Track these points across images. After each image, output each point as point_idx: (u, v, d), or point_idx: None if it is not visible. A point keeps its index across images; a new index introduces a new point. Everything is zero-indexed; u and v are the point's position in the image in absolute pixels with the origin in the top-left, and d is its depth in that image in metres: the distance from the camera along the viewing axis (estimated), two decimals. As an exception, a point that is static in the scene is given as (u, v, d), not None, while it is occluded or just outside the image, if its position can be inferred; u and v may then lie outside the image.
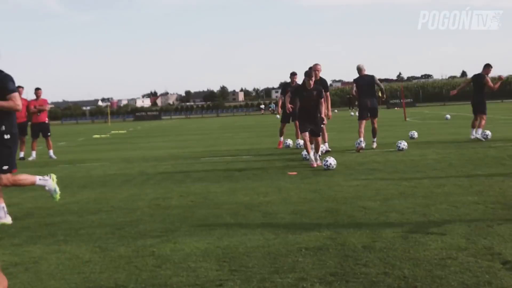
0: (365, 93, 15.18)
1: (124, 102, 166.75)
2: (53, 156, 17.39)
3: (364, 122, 15.21)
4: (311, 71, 12.00)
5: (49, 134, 17.78)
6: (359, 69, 15.32)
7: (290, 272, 4.67)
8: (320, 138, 12.38)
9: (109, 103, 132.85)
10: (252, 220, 6.80)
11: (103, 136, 32.08)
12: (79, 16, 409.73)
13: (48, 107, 17.81)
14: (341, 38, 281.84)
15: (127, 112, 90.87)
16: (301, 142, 15.47)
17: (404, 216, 6.66)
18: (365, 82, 15.19)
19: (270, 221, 6.68)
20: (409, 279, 4.36)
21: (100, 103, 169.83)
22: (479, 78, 16.68)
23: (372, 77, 15.21)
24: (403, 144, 14.52)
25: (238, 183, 9.96)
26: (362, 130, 15.08)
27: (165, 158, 15.62)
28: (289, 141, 17.11)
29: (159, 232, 6.38)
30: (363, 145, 14.87)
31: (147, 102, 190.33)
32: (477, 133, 16.50)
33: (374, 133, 15.49)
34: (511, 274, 4.36)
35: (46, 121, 17.77)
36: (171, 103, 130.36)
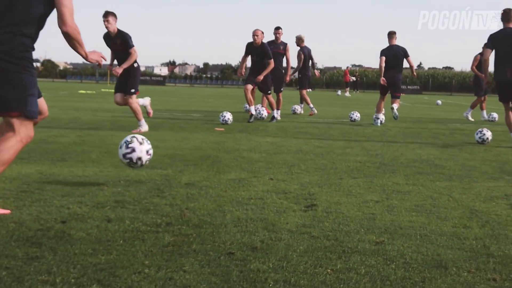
0: (308, 64, 16.06)
1: (142, 69, 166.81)
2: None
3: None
4: None
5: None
6: (302, 40, 15.78)
7: (68, 197, 4.38)
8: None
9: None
10: (112, 158, 6.48)
11: (88, 92, 31.81)
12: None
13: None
14: (361, 22, 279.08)
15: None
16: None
17: (270, 164, 6.38)
18: (308, 52, 15.88)
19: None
20: (184, 210, 4.04)
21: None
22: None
23: (310, 49, 15.97)
24: (356, 115, 14.14)
25: (154, 132, 9.69)
26: (307, 98, 16.17)
27: (115, 110, 15.32)
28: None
29: None
30: (315, 111, 16.27)
31: (164, 71, 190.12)
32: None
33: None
34: (294, 215, 4.04)
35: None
36: (188, 73, 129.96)
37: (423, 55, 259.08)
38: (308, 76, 16.07)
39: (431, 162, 7.05)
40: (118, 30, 9.41)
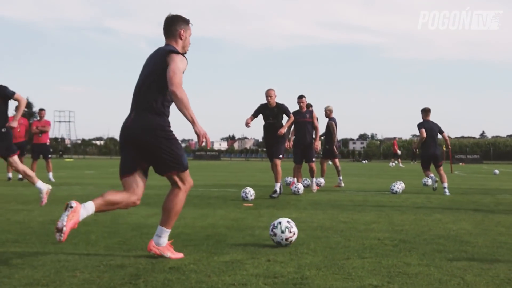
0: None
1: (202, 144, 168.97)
2: (52, 179, 17.18)
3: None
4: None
5: (49, 156, 17.64)
6: (332, 111, 16.01)
7: (30, 286, 4.02)
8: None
9: (187, 144, 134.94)
10: (111, 239, 6.17)
11: (138, 168, 31.95)
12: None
13: (50, 128, 17.68)
14: (421, 92, 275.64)
15: (192, 151, 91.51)
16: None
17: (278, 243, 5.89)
18: (336, 122, 16.01)
19: (134, 238, 6.05)
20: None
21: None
22: None
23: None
24: (397, 187, 13.56)
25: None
26: (325, 170, 16.50)
27: (155, 187, 15.16)
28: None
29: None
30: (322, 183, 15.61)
31: (224, 145, 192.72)
32: None
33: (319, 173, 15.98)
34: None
35: (48, 143, 17.64)
36: (248, 147, 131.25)
37: (487, 124, 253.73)
38: (338, 146, 16.01)
39: (459, 238, 6.46)
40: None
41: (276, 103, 11.83)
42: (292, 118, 12.07)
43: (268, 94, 11.72)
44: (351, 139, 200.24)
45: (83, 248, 5.59)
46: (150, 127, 4.78)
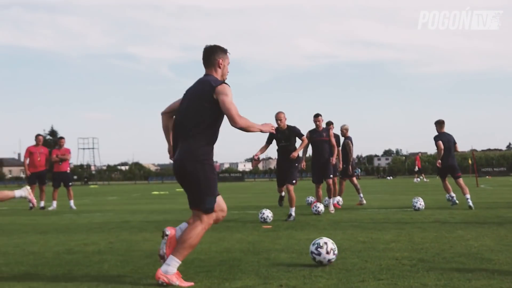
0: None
1: (227, 166, 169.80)
2: (73, 207, 17.20)
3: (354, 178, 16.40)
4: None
5: (70, 184, 17.69)
6: (347, 130, 15.96)
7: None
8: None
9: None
10: (123, 268, 6.09)
11: (161, 193, 32.03)
12: (186, 81, 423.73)
13: (70, 156, 17.74)
14: (445, 105, 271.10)
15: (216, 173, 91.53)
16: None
17: (292, 267, 5.83)
18: (352, 143, 15.91)
19: (147, 266, 5.95)
20: None
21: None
22: None
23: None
24: (420, 204, 13.34)
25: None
26: (344, 189, 16.55)
27: (175, 211, 15.14)
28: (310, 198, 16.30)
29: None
30: (364, 201, 15.83)
31: (248, 166, 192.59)
32: None
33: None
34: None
35: (68, 171, 17.68)
36: (272, 167, 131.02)
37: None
38: (354, 165, 16.02)
39: (480, 255, 6.27)
40: None
41: (288, 125, 11.75)
42: (306, 141, 12.00)
43: (277, 117, 11.67)
44: (376, 156, 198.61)
45: (94, 277, 5.51)
46: (193, 156, 4.94)
